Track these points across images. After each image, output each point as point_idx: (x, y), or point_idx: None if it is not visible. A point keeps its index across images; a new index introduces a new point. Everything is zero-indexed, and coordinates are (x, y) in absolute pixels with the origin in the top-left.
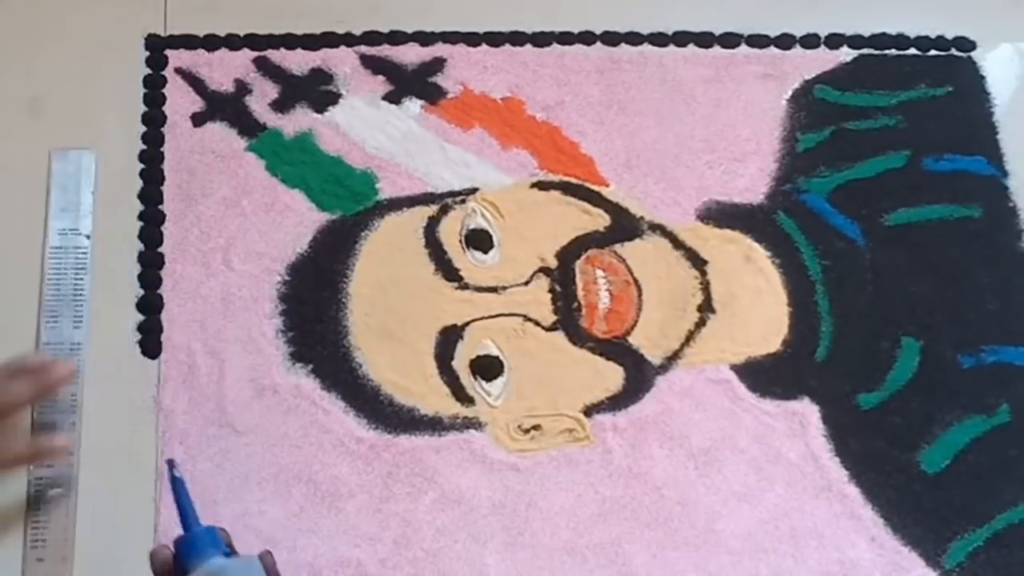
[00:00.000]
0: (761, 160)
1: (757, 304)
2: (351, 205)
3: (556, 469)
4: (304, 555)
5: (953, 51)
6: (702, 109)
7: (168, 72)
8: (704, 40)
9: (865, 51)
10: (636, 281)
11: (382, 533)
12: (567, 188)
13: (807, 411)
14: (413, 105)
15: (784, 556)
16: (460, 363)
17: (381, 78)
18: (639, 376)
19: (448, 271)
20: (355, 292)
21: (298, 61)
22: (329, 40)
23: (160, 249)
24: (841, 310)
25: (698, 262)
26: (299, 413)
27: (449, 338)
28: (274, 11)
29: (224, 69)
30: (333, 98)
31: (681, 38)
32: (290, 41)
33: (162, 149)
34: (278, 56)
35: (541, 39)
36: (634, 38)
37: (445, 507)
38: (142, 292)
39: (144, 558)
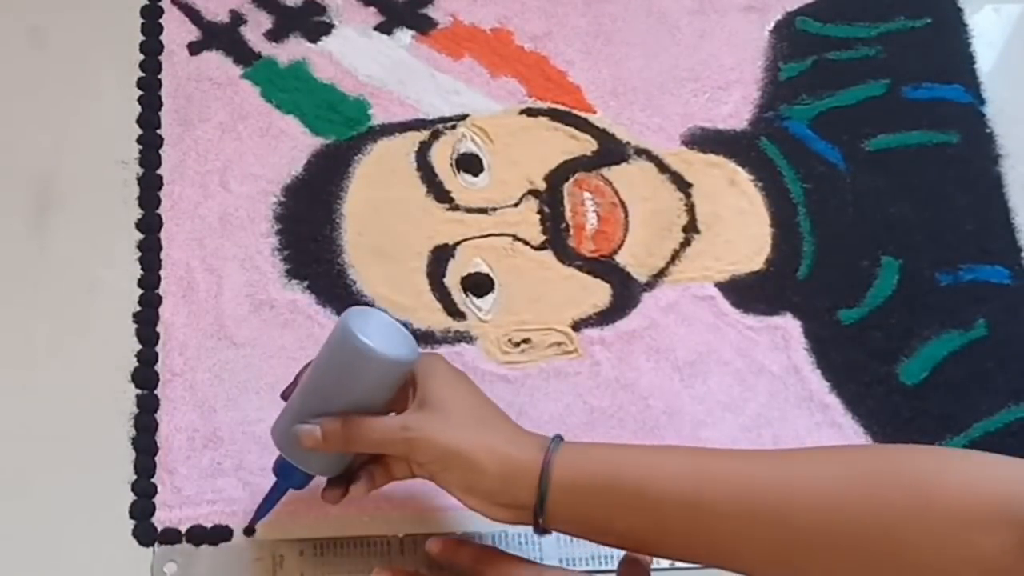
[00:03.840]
0: (744, 88)
1: (741, 225)
2: (344, 130)
3: (545, 380)
4: None
5: None
6: (686, 39)
7: (164, 3)
8: None
9: None
10: (623, 203)
11: None
12: (555, 115)
13: (789, 326)
14: (404, 35)
15: None
16: (451, 280)
17: (372, 9)
18: (625, 292)
19: (439, 193)
20: (349, 212)
21: None
22: None
23: (159, 171)
24: (822, 230)
25: (683, 185)
26: (295, 327)
27: (440, 256)
28: None
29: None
30: (326, 28)
31: None
32: None
33: (159, 76)
34: None
35: None
36: None
37: None
38: (141, 212)
39: None
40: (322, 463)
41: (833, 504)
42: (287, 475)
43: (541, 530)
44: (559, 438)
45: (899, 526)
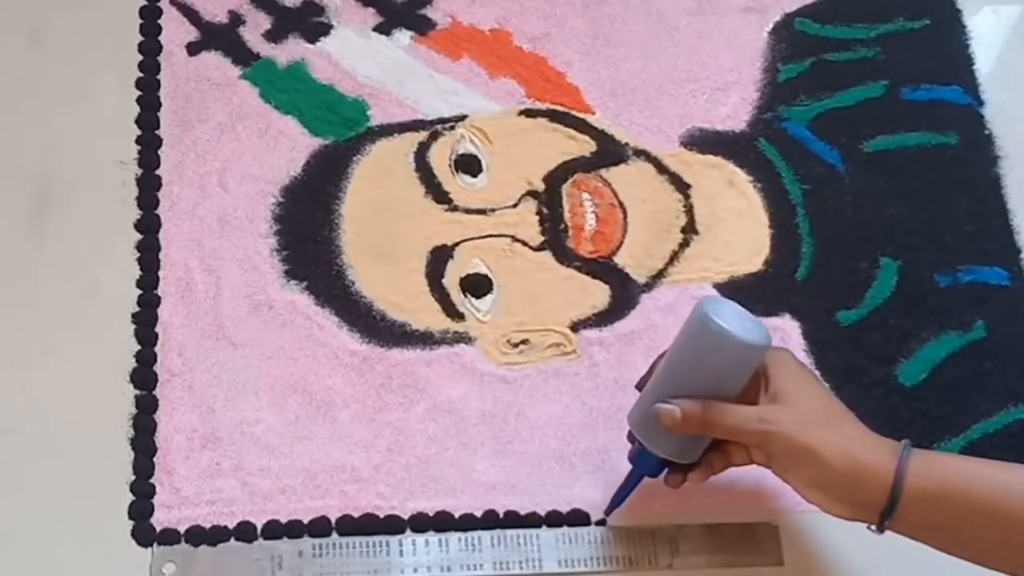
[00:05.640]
0: (743, 89)
1: (739, 226)
2: (343, 131)
3: (544, 381)
4: (300, 461)
5: None
6: (685, 41)
7: (163, 3)
8: None
9: None
10: (621, 204)
11: (375, 440)
12: (554, 116)
13: (788, 327)
14: (403, 36)
15: None
16: (450, 281)
17: (371, 10)
18: (624, 294)
19: (438, 194)
20: (347, 213)
21: None
22: None
23: (157, 172)
24: (821, 232)
25: (682, 186)
26: (294, 327)
27: (439, 257)
28: None
29: (218, 0)
30: (325, 29)
31: None
32: None
33: (158, 77)
34: None
35: None
36: None
37: (436, 416)
38: (140, 213)
39: None
40: (676, 446)
41: None
42: (642, 462)
43: (881, 530)
44: (909, 445)
45: None
